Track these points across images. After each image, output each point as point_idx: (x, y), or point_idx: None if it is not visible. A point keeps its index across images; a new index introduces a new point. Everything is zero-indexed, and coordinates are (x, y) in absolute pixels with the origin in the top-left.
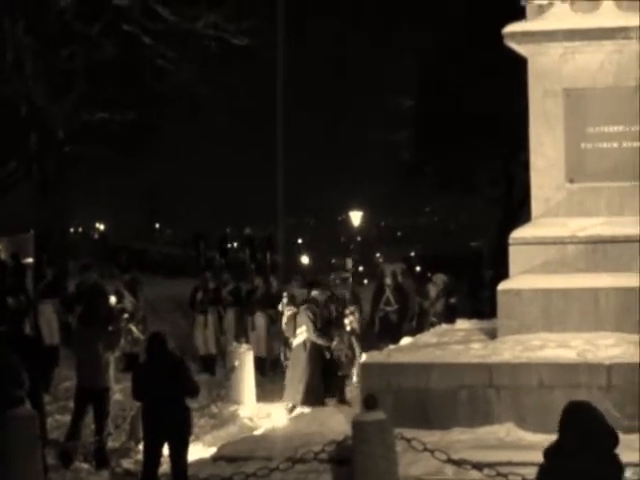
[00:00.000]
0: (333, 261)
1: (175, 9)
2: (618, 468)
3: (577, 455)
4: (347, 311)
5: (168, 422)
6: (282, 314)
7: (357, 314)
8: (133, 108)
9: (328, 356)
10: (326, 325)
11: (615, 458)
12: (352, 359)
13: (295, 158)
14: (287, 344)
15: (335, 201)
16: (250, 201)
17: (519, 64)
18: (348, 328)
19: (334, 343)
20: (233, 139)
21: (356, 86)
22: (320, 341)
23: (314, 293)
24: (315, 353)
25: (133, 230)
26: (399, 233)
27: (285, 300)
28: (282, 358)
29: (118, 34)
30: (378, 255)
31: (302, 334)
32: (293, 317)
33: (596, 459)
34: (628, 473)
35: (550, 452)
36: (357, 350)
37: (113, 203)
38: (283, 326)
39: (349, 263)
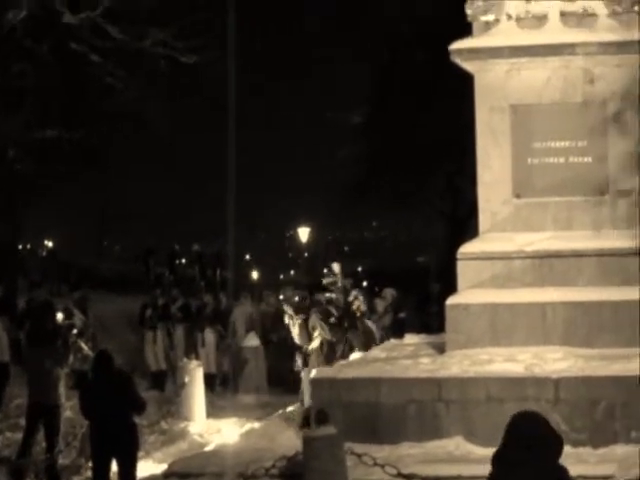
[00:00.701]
0: (281, 277)
1: (124, 28)
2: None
3: (521, 464)
4: (351, 297)
5: (115, 438)
6: (289, 325)
7: (361, 297)
8: (82, 126)
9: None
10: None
11: (561, 470)
12: (372, 341)
13: (243, 174)
14: (302, 351)
15: (283, 217)
16: (197, 217)
17: (466, 80)
18: (358, 314)
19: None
20: (182, 156)
21: (304, 102)
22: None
23: (318, 296)
24: (332, 353)
25: (82, 247)
26: (346, 248)
27: (290, 311)
28: (295, 367)
29: (67, 52)
30: (325, 271)
31: (318, 337)
32: (305, 325)
33: (541, 469)
34: None
35: (495, 459)
36: (373, 328)
37: (61, 220)
38: (295, 337)
39: (336, 267)
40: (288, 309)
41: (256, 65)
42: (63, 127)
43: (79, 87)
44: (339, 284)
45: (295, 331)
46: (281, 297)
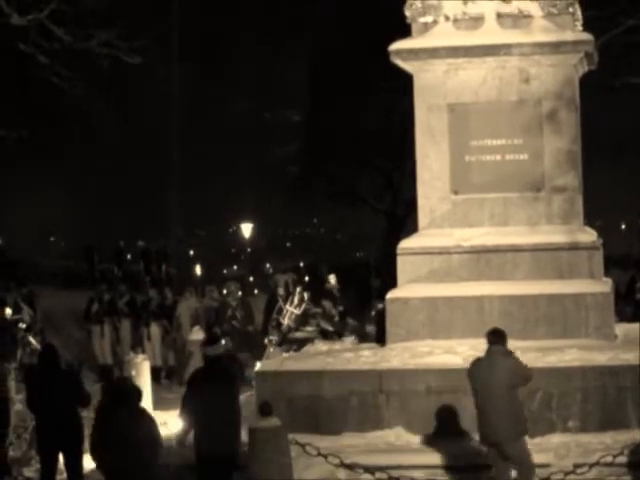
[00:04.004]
0: (225, 272)
1: (69, 29)
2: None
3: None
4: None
5: (62, 431)
6: (281, 308)
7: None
8: (27, 126)
9: None
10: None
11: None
12: None
13: (187, 171)
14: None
15: (226, 213)
16: (140, 214)
17: (405, 80)
18: None
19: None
20: (127, 153)
21: (247, 101)
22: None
23: (325, 304)
24: None
25: (29, 243)
26: (288, 244)
27: (305, 295)
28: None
29: (15, 53)
30: (268, 266)
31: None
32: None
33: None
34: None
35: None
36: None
37: (8, 217)
38: (287, 321)
39: (332, 279)
40: (303, 293)
41: (196, 66)
42: (10, 127)
43: (27, 87)
44: (336, 294)
45: (293, 313)
46: (225, 292)
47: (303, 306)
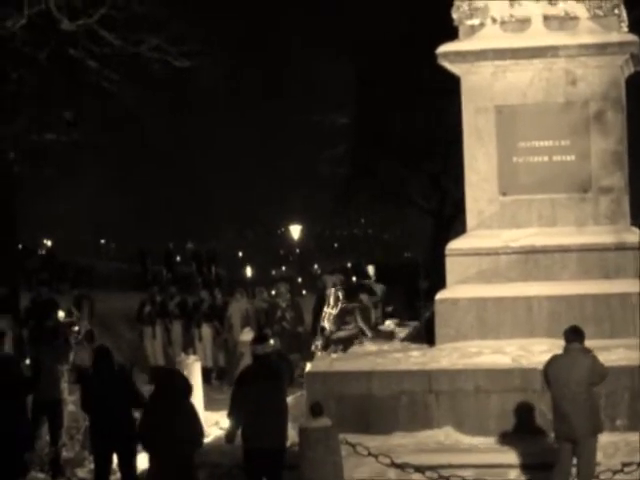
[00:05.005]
0: (273, 273)
1: (119, 33)
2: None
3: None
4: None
5: (115, 432)
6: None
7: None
8: (78, 130)
9: None
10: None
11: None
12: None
13: (233, 175)
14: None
15: (274, 215)
16: (187, 216)
17: (452, 82)
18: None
19: None
20: (176, 157)
21: (292, 104)
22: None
23: (363, 297)
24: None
25: (79, 246)
26: (336, 245)
27: (341, 294)
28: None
29: (65, 58)
30: (316, 266)
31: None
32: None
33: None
34: None
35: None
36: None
37: (59, 219)
38: (327, 322)
39: (371, 270)
40: (339, 291)
41: (241, 71)
42: (61, 131)
43: (77, 92)
44: (375, 289)
45: (331, 314)
46: (274, 293)
47: (339, 305)
